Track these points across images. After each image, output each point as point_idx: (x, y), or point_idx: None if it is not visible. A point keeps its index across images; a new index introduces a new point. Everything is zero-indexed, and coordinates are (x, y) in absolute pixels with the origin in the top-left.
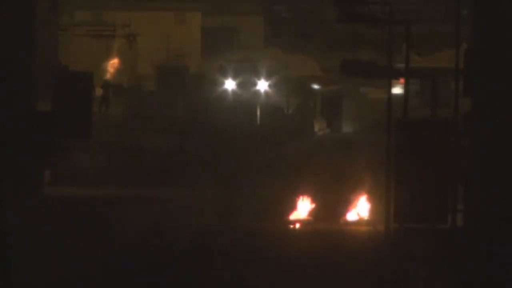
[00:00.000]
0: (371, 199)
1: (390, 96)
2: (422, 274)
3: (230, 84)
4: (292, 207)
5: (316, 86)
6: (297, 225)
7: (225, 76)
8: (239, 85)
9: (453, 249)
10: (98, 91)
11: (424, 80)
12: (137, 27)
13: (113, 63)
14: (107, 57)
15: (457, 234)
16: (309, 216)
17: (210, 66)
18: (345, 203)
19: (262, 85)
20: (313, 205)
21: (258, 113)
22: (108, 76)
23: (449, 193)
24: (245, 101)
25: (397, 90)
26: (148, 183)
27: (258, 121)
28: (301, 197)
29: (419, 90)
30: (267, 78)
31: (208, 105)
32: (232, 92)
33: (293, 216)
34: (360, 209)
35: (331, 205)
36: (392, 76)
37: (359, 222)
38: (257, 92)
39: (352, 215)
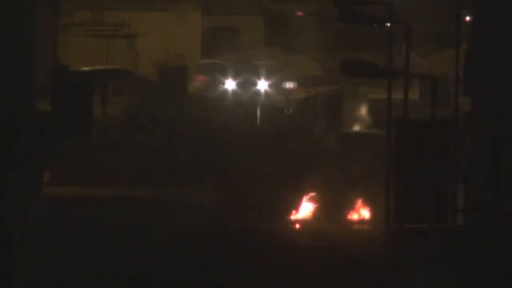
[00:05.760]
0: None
1: (390, 96)
2: (422, 274)
3: (230, 84)
4: (292, 207)
5: None
6: (297, 225)
7: (225, 76)
8: (239, 85)
9: (453, 249)
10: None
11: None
12: (137, 27)
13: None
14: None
15: (458, 234)
16: (309, 216)
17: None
18: (346, 203)
19: (262, 85)
20: (314, 206)
21: (258, 113)
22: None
23: (449, 193)
24: (245, 101)
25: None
26: (148, 183)
27: (258, 121)
28: (301, 198)
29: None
30: (267, 78)
31: (208, 105)
32: (232, 92)
33: (293, 216)
34: (360, 210)
35: (332, 205)
36: (392, 77)
37: (359, 222)
38: (257, 92)
39: (352, 215)
